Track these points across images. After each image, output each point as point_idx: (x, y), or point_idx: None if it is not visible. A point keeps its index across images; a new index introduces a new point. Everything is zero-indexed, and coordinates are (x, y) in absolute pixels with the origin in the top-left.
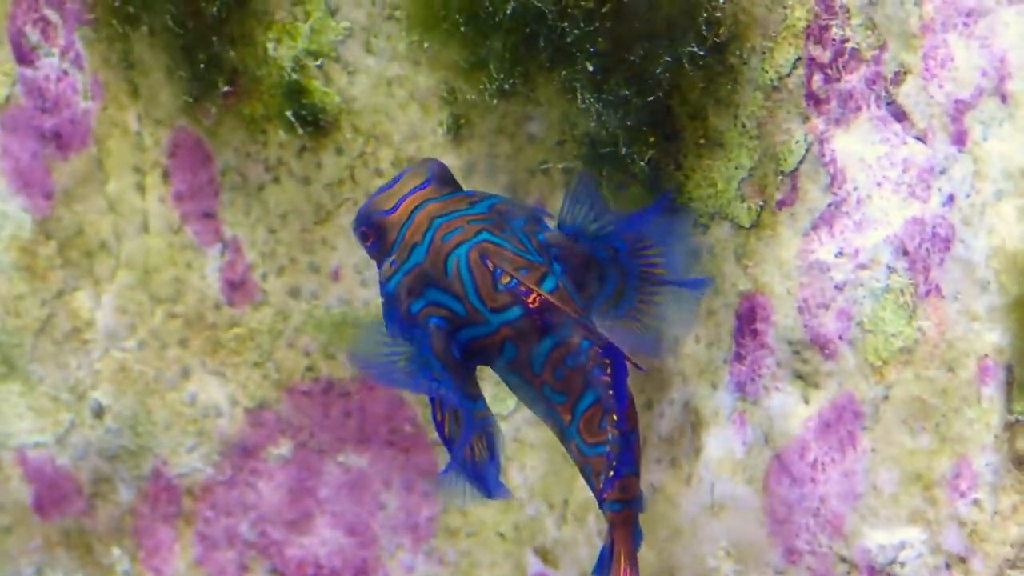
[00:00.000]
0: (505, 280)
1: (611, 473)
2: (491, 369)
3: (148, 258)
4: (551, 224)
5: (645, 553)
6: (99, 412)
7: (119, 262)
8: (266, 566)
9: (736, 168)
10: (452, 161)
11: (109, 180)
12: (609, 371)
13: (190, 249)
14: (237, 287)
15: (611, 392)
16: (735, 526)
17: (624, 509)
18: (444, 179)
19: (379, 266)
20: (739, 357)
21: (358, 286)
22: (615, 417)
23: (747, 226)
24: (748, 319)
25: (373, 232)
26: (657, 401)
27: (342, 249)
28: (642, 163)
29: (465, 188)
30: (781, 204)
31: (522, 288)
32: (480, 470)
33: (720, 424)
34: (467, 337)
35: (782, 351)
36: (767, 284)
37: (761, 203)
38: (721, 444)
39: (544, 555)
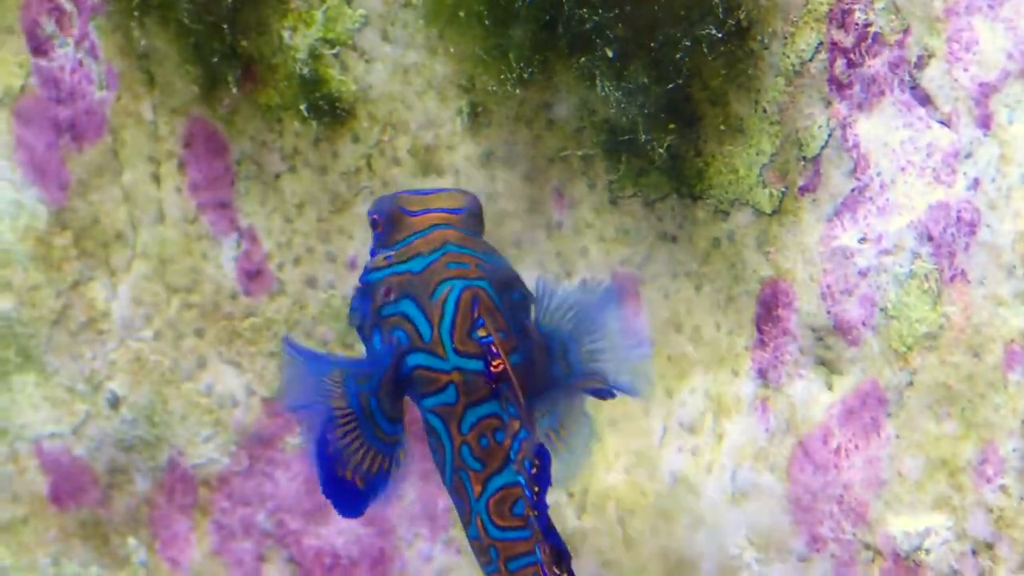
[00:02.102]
0: (482, 333)
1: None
2: (416, 405)
3: (164, 248)
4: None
5: (667, 542)
6: (115, 403)
7: (135, 252)
8: (283, 556)
9: (757, 154)
10: (470, 149)
11: (124, 170)
12: (536, 470)
13: (206, 239)
14: (253, 277)
15: (536, 489)
16: (758, 514)
17: None
18: (475, 217)
19: (372, 254)
20: (761, 344)
21: None
22: (535, 513)
23: (769, 212)
24: (770, 306)
25: (384, 222)
26: (677, 390)
27: (359, 238)
28: (661, 150)
29: (485, 176)
30: (803, 190)
31: (493, 348)
32: (352, 483)
33: (742, 411)
34: (416, 363)
35: (805, 337)
36: (789, 270)
37: (783, 189)
38: (743, 431)
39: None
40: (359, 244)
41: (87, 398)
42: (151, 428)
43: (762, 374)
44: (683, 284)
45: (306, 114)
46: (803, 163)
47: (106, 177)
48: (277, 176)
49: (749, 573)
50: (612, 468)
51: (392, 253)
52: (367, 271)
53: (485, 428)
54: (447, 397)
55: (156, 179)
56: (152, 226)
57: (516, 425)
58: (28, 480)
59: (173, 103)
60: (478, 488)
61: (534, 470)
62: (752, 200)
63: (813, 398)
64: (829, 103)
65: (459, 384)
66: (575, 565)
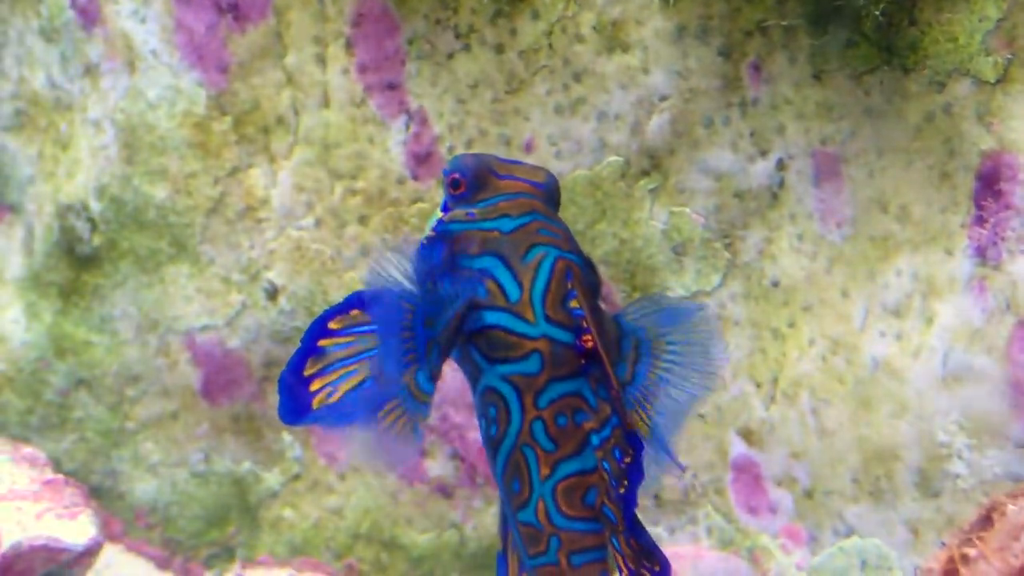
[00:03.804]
0: (574, 304)
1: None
2: (476, 369)
3: (328, 133)
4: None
5: (866, 431)
6: (272, 293)
7: (296, 137)
8: (447, 451)
9: (981, 20)
10: (661, 23)
11: (288, 52)
12: (628, 460)
13: (372, 122)
14: (422, 160)
15: (626, 483)
16: (970, 398)
17: None
18: (555, 195)
19: (445, 209)
20: (980, 220)
21: (552, 158)
22: (620, 507)
23: (992, 81)
24: (991, 180)
25: (471, 183)
26: (881, 272)
27: (536, 119)
28: (876, 13)
29: (676, 52)
30: None
31: (584, 324)
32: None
33: (956, 292)
34: (495, 322)
35: None
36: (1015, 141)
37: (1010, 56)
38: (957, 313)
39: (748, 436)
40: (536, 125)
41: (243, 288)
42: (310, 319)
43: (980, 252)
44: (890, 161)
45: None
46: None
47: (268, 60)
48: (450, 55)
49: (960, 461)
50: (806, 355)
51: (475, 211)
52: (443, 222)
53: (565, 406)
54: (529, 366)
55: (322, 61)
56: (316, 110)
57: (607, 410)
58: (179, 374)
59: None
60: (546, 470)
61: (627, 460)
62: (973, 69)
63: None
64: None
65: (545, 353)
66: (768, 452)
